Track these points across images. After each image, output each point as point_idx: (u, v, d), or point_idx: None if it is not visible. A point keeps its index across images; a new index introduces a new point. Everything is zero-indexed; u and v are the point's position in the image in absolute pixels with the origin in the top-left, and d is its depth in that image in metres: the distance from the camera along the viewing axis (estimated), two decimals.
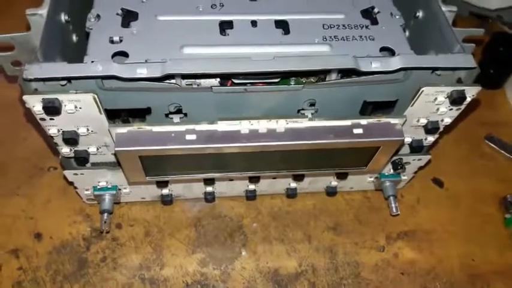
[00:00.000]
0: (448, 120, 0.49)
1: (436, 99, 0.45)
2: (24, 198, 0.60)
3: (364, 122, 0.45)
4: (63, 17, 0.47)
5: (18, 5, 0.49)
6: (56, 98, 0.40)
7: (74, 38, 0.50)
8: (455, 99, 0.45)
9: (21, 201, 0.60)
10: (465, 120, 0.70)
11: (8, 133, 0.66)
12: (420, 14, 0.52)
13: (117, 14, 0.46)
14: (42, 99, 0.40)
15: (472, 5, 0.83)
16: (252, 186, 0.59)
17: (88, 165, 0.51)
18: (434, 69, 0.45)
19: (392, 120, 0.46)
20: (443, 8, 0.49)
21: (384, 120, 0.45)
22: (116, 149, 0.42)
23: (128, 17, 0.46)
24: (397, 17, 0.50)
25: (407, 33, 0.52)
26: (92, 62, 0.41)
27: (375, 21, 0.49)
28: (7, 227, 0.58)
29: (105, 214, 0.55)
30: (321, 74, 0.49)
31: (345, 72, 0.48)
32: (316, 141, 0.44)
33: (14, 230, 0.58)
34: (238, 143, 0.44)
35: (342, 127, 0.45)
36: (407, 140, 0.52)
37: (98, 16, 0.46)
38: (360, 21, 0.48)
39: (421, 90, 0.44)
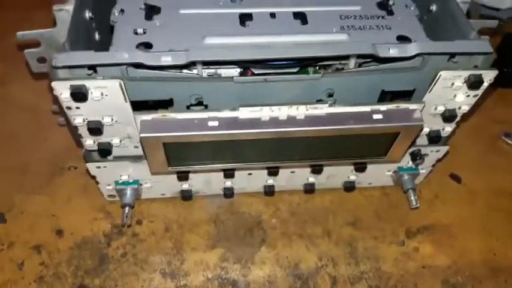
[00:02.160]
0: (465, 108, 0.49)
1: (453, 84, 0.46)
2: (46, 196, 0.61)
3: (383, 107, 0.45)
4: (88, 14, 0.49)
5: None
6: (83, 85, 0.41)
7: (97, 36, 0.52)
8: (473, 83, 0.45)
9: (43, 199, 0.61)
10: (481, 117, 0.70)
11: (30, 134, 0.67)
12: (434, 7, 0.53)
13: (140, 8, 0.48)
14: (70, 85, 0.41)
15: (483, 6, 0.84)
16: (270, 181, 0.59)
17: (110, 158, 0.52)
18: (451, 54, 0.45)
19: (411, 106, 0.46)
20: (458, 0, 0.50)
21: (402, 106, 0.46)
22: (141, 135, 0.43)
23: (151, 11, 0.48)
24: (412, 8, 0.51)
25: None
26: (117, 51, 0.42)
27: (390, 12, 0.50)
28: (30, 224, 0.59)
29: (127, 208, 0.55)
30: (338, 65, 0.50)
31: (363, 62, 0.49)
32: (336, 127, 0.45)
33: (36, 226, 0.59)
34: (259, 129, 0.44)
35: (362, 113, 0.45)
36: (425, 130, 0.52)
37: (122, 10, 0.48)
38: (376, 12, 0.49)
39: (438, 75, 0.45)
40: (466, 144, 0.69)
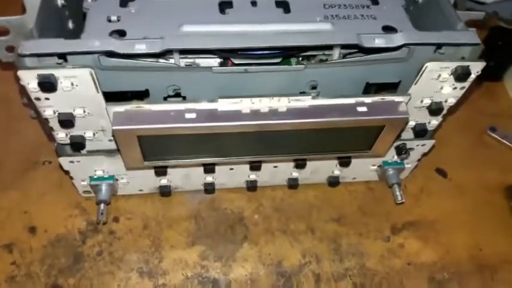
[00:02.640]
0: (452, 101, 0.48)
1: (440, 76, 0.44)
2: (18, 191, 0.59)
3: (368, 100, 0.44)
4: (59, 1, 0.47)
5: None
6: (52, 74, 0.38)
7: (70, 24, 0.49)
8: (460, 75, 0.44)
9: (15, 194, 0.58)
10: (466, 111, 0.69)
11: (1, 126, 0.64)
12: None
13: None
14: (38, 75, 0.38)
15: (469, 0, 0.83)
16: (253, 176, 0.57)
17: (84, 152, 0.49)
18: (438, 44, 0.44)
19: (397, 99, 0.45)
20: None
21: (388, 98, 0.44)
22: (113, 127, 0.41)
23: None
24: None
25: None
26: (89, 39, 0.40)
27: (375, 2, 0.48)
28: (1, 221, 0.56)
29: (102, 204, 0.53)
30: (322, 56, 0.49)
31: (348, 53, 0.47)
32: (319, 120, 0.43)
33: (7, 224, 0.56)
34: (239, 122, 0.42)
35: (346, 105, 0.44)
36: (411, 123, 0.51)
37: None
38: (361, 2, 0.48)
39: (425, 66, 0.43)
40: (452, 138, 0.68)
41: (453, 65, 0.44)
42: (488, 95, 0.74)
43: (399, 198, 0.57)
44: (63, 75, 0.39)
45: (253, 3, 0.46)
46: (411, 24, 0.46)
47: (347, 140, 0.48)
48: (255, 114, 0.43)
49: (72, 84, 0.40)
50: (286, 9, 0.46)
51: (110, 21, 0.43)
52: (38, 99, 0.41)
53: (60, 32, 0.46)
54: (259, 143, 0.47)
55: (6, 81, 0.66)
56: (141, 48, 0.39)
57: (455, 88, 0.46)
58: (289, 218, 0.59)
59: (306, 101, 0.43)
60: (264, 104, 0.43)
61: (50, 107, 0.42)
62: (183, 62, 0.46)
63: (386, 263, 0.56)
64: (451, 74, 0.44)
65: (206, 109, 0.42)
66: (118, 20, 0.43)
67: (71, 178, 0.53)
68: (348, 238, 0.58)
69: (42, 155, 0.62)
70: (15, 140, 0.63)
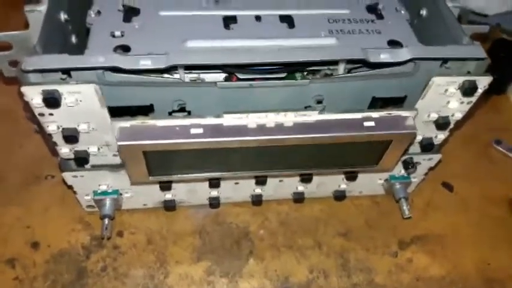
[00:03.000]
0: (458, 115, 0.48)
1: (447, 90, 0.44)
2: (20, 206, 0.58)
3: (375, 115, 0.44)
4: (63, 16, 0.46)
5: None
6: (56, 90, 0.38)
7: (74, 39, 0.49)
8: (467, 89, 0.43)
9: (18, 209, 0.58)
10: (471, 124, 0.69)
11: (4, 140, 0.64)
12: (424, 12, 0.51)
13: (118, 10, 0.46)
14: (42, 90, 0.38)
15: (471, 12, 0.83)
16: (258, 190, 0.57)
17: (88, 167, 0.49)
18: (444, 59, 0.44)
19: (404, 113, 0.44)
20: (449, 4, 0.49)
21: (395, 113, 0.44)
22: (119, 143, 0.40)
23: (130, 13, 0.45)
24: (402, 12, 0.49)
25: None
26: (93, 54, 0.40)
27: (380, 16, 0.48)
28: (3, 236, 0.56)
29: (106, 219, 0.52)
30: (327, 70, 0.48)
31: (353, 68, 0.47)
32: (325, 135, 0.43)
33: (10, 239, 0.56)
34: (245, 137, 0.42)
35: (353, 120, 0.43)
36: (418, 138, 0.51)
37: (99, 12, 0.45)
38: (365, 16, 0.48)
39: (432, 81, 0.43)
40: (457, 151, 0.67)
41: (460, 79, 0.43)
42: (492, 108, 0.74)
43: (406, 213, 0.56)
44: (67, 91, 0.39)
45: (258, 18, 0.46)
46: (416, 38, 0.46)
47: (354, 155, 0.48)
48: (261, 129, 0.43)
49: (76, 99, 0.40)
50: (291, 24, 0.46)
51: (113, 36, 0.43)
52: (41, 114, 0.41)
53: (64, 47, 0.46)
54: (265, 157, 0.47)
55: (9, 95, 0.66)
56: (146, 64, 0.39)
57: (462, 102, 0.46)
58: (295, 233, 0.58)
59: (313, 116, 0.43)
60: (270, 119, 0.42)
61: (54, 122, 0.42)
62: (188, 77, 0.46)
63: (394, 278, 0.55)
64: (458, 88, 0.44)
65: (212, 124, 0.42)
66: (122, 36, 0.43)
67: (74, 193, 0.53)
68: (355, 253, 0.57)
69: (45, 169, 0.61)
70: (18, 154, 0.63)
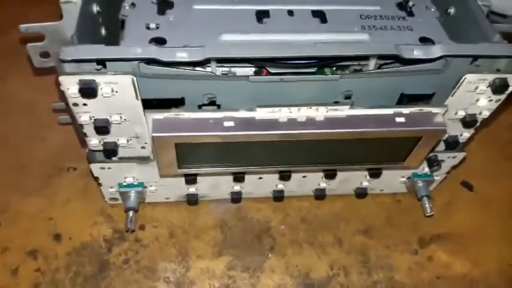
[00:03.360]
0: (486, 113, 0.48)
1: (477, 88, 0.44)
2: (43, 198, 0.58)
3: (406, 111, 0.44)
4: (95, 8, 0.47)
5: None
6: (93, 80, 0.38)
7: (103, 31, 0.49)
8: (497, 87, 0.44)
9: (40, 201, 0.58)
10: (490, 122, 0.69)
11: (27, 132, 0.64)
12: (452, 10, 0.51)
13: (152, 2, 0.46)
14: (79, 80, 0.38)
15: (491, 12, 0.83)
16: (280, 186, 0.57)
17: (115, 159, 0.49)
18: (476, 57, 0.44)
19: (434, 110, 0.44)
20: (479, 2, 0.49)
21: (425, 109, 0.44)
22: (153, 134, 0.41)
23: (163, 6, 0.46)
24: (432, 9, 0.49)
25: None
26: (130, 45, 0.40)
27: (410, 13, 0.48)
28: (25, 227, 0.56)
29: (131, 212, 0.52)
30: (357, 66, 0.49)
31: (383, 64, 0.47)
32: (356, 130, 0.43)
33: (32, 230, 0.56)
34: (277, 130, 0.42)
35: (384, 116, 0.43)
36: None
37: (133, 4, 0.46)
38: (396, 13, 0.48)
39: (463, 78, 0.43)
40: (477, 150, 0.67)
41: (491, 77, 0.43)
42: (510, 106, 0.74)
43: (428, 210, 0.56)
44: (104, 81, 0.39)
45: (290, 13, 0.46)
46: (447, 35, 0.46)
47: (381, 151, 0.48)
48: (293, 123, 0.43)
49: (112, 90, 0.40)
50: (323, 19, 0.46)
51: (148, 28, 0.43)
52: (75, 104, 0.41)
53: (94, 39, 0.46)
54: (293, 152, 0.47)
55: (34, 89, 0.67)
56: (182, 56, 0.39)
57: (491, 100, 0.46)
58: (316, 229, 0.58)
59: (344, 111, 0.43)
60: (301, 113, 0.43)
61: (87, 113, 0.42)
62: (219, 70, 0.46)
63: (414, 275, 0.55)
64: (488, 86, 0.44)
65: (244, 117, 0.42)
66: (157, 28, 0.43)
67: (99, 185, 0.53)
68: (375, 250, 0.57)
69: (67, 161, 0.62)
70: (40, 147, 0.63)
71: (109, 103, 0.41)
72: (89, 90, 0.39)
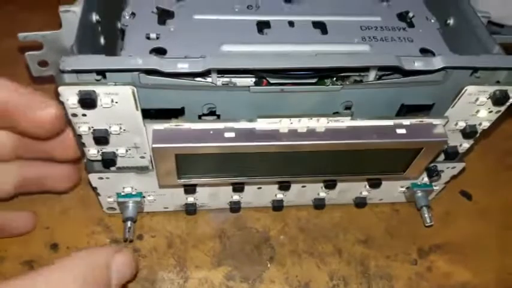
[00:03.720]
0: (486, 124, 0.48)
1: (477, 99, 0.44)
2: (40, 207, 0.57)
3: (406, 122, 0.44)
4: (94, 17, 0.46)
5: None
6: (93, 90, 0.38)
7: (102, 40, 0.49)
8: (498, 99, 0.44)
9: (37, 210, 0.57)
10: (488, 133, 0.69)
11: None
12: (451, 21, 0.51)
13: (152, 12, 0.46)
14: (79, 91, 0.38)
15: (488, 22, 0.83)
16: (280, 195, 0.57)
17: (114, 169, 0.48)
18: (476, 69, 0.44)
19: (435, 121, 0.44)
20: (478, 13, 0.49)
21: (426, 120, 0.44)
22: (153, 145, 0.40)
23: (164, 16, 0.46)
24: (433, 21, 0.50)
25: None
26: (130, 56, 0.40)
27: (411, 25, 0.49)
28: (22, 237, 0.55)
29: (129, 222, 0.52)
30: (357, 77, 0.49)
31: (382, 75, 0.47)
32: (358, 141, 0.43)
33: (28, 240, 0.55)
34: (277, 141, 0.42)
35: (385, 127, 0.43)
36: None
37: (133, 14, 0.45)
38: (396, 24, 0.48)
39: (464, 90, 0.43)
40: (475, 160, 0.67)
41: (492, 89, 0.44)
42: (510, 117, 0.74)
43: (428, 221, 0.56)
44: (104, 92, 0.39)
45: (291, 24, 0.46)
46: (447, 46, 0.47)
47: (382, 162, 0.48)
48: (293, 134, 0.43)
49: (112, 101, 0.39)
50: (324, 30, 0.46)
51: (149, 38, 0.43)
52: (74, 115, 0.41)
53: (93, 48, 0.45)
54: (293, 163, 0.47)
55: None
56: (183, 67, 0.39)
57: (491, 112, 0.46)
58: (315, 239, 0.58)
59: (345, 122, 0.43)
60: (302, 124, 0.42)
61: (86, 123, 0.42)
62: (220, 81, 0.46)
63: (414, 286, 0.55)
64: (489, 97, 0.44)
65: (245, 128, 0.42)
66: (157, 38, 0.43)
67: (98, 194, 0.52)
68: (375, 260, 0.57)
69: None
70: None
71: (108, 114, 0.41)
72: (88, 101, 0.38)
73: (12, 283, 0.35)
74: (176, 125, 0.41)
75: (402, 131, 0.43)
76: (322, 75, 0.45)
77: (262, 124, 0.42)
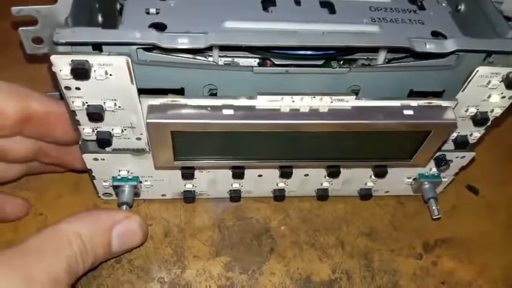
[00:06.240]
0: (498, 111, 0.46)
1: (489, 82, 0.42)
2: (33, 193, 0.56)
3: (414, 103, 0.42)
4: None
5: None
6: (87, 60, 0.36)
7: (100, 18, 0.47)
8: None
9: (30, 196, 0.55)
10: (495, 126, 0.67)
11: None
12: (462, 6, 0.49)
13: None
14: (72, 60, 0.36)
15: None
16: (281, 184, 0.55)
17: (109, 149, 0.47)
18: (490, 52, 0.42)
19: (444, 103, 0.42)
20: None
21: (435, 102, 0.42)
22: (148, 120, 0.38)
23: None
24: (444, 4, 0.48)
25: None
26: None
27: (422, 7, 0.47)
28: (14, 223, 0.53)
29: (124, 207, 0.50)
30: (365, 60, 0.47)
31: (392, 59, 0.45)
32: (362, 122, 0.41)
33: (21, 226, 0.53)
34: (278, 120, 0.40)
35: (391, 108, 0.41)
36: (453, 134, 0.49)
37: None
38: (407, 6, 0.46)
39: (476, 71, 0.41)
40: (482, 154, 0.65)
41: (505, 70, 0.42)
42: None
43: (435, 213, 0.54)
44: (98, 63, 0.37)
45: (297, 3, 0.44)
46: (459, 30, 0.45)
47: (388, 147, 0.46)
48: (295, 113, 0.41)
49: (106, 72, 0.37)
50: (331, 9, 0.44)
51: (148, 13, 0.41)
52: (68, 88, 0.39)
53: (90, 24, 0.44)
54: (294, 145, 0.45)
55: (27, 79, 0.64)
56: (184, 42, 0.37)
57: (504, 97, 0.44)
58: (317, 231, 0.56)
59: (350, 102, 0.41)
60: (304, 103, 0.41)
61: (80, 98, 0.40)
62: (222, 60, 0.44)
63: (419, 281, 0.53)
64: (502, 80, 0.42)
65: (244, 105, 0.40)
66: (157, 13, 0.41)
67: (93, 177, 0.50)
68: (379, 254, 0.55)
69: None
70: None
71: (103, 87, 0.39)
72: (81, 72, 0.36)
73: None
74: (173, 101, 0.39)
75: (409, 112, 0.41)
76: (329, 56, 0.44)
77: (262, 102, 0.40)
